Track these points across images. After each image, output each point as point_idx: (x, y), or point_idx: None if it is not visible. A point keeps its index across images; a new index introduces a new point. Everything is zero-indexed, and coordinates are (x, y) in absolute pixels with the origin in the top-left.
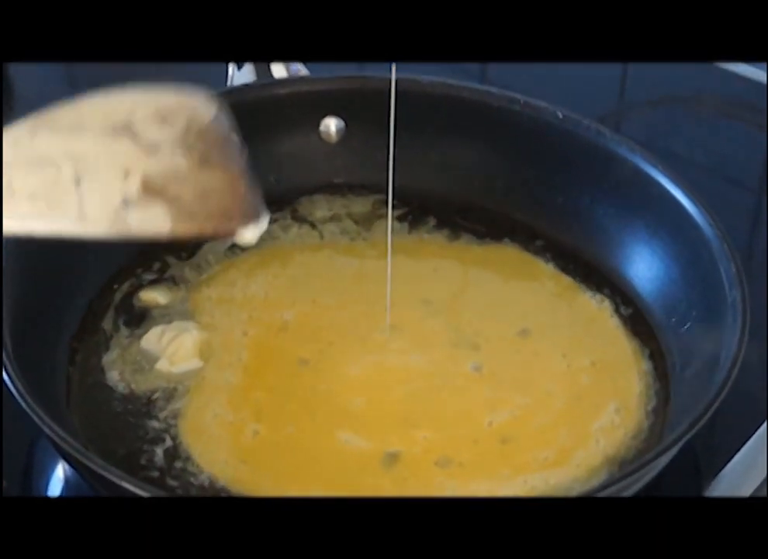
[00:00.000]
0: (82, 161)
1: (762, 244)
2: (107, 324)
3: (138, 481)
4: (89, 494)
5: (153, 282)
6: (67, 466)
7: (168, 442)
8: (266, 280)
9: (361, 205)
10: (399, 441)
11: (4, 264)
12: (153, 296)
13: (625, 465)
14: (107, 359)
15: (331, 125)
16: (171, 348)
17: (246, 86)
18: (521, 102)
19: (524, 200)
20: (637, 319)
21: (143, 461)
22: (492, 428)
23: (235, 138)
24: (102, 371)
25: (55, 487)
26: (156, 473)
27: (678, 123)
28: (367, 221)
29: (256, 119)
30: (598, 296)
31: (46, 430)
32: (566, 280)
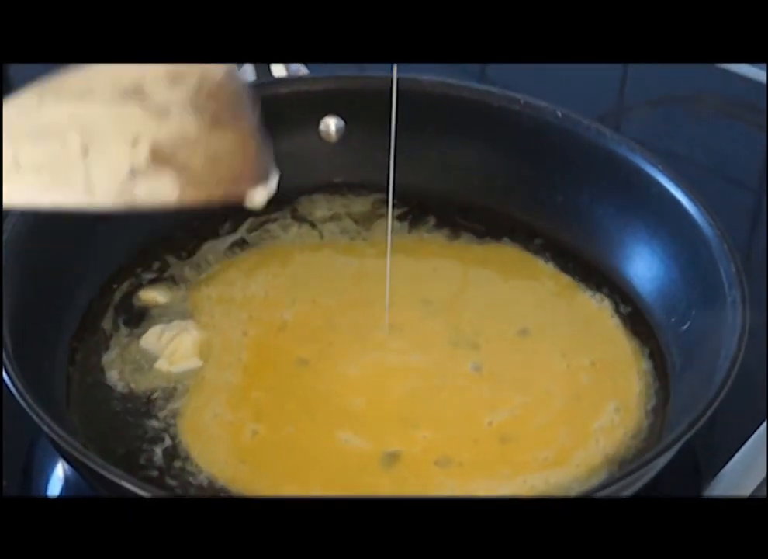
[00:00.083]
0: (90, 130)
1: (762, 244)
2: (107, 323)
3: (137, 481)
4: (89, 493)
5: (152, 282)
6: (66, 466)
7: (167, 442)
8: (266, 280)
9: (360, 204)
10: (399, 441)
11: (4, 263)
12: (153, 296)
13: (625, 464)
14: (107, 358)
15: (331, 124)
16: (171, 348)
17: None
18: (521, 101)
19: (524, 200)
20: (636, 318)
21: (142, 460)
22: (492, 427)
23: (247, 94)
24: (101, 370)
25: (55, 486)
26: (155, 473)
27: (678, 122)
28: (367, 221)
29: None
30: (598, 296)
31: (46, 429)
32: (566, 279)
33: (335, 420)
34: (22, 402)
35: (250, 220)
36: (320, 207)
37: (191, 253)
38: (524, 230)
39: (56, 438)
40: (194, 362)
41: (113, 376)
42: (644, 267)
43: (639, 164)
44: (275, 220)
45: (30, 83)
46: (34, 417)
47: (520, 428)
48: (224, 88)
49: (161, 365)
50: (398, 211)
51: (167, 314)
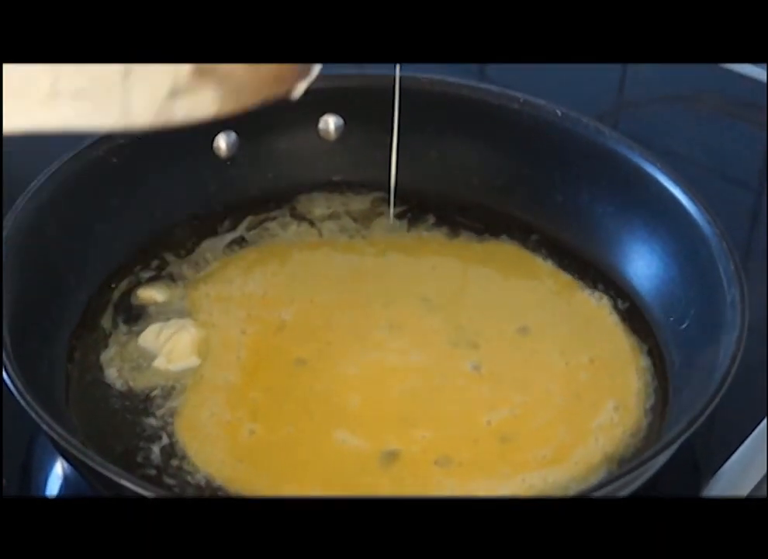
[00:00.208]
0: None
1: (761, 243)
2: (106, 321)
3: (136, 479)
4: (88, 491)
5: (151, 280)
6: (65, 464)
7: (165, 440)
8: (264, 278)
9: (359, 203)
10: (398, 440)
11: (4, 261)
12: (152, 294)
13: (624, 463)
14: (105, 356)
15: (330, 123)
16: (169, 346)
17: None
18: (520, 100)
19: (523, 198)
20: (635, 317)
21: (139, 459)
22: (492, 427)
23: None
24: (100, 368)
25: (53, 484)
26: (153, 471)
27: (677, 121)
28: (366, 219)
29: (255, 117)
30: (597, 294)
31: (45, 428)
32: (565, 278)
33: (333, 420)
34: (21, 400)
35: (249, 218)
36: (319, 205)
37: (190, 251)
38: (523, 228)
39: (55, 436)
40: (192, 361)
41: (112, 374)
42: (643, 265)
43: (639, 163)
44: (274, 218)
45: None
46: (33, 415)
47: (520, 427)
48: None
49: (160, 363)
50: (397, 209)
51: (165, 313)
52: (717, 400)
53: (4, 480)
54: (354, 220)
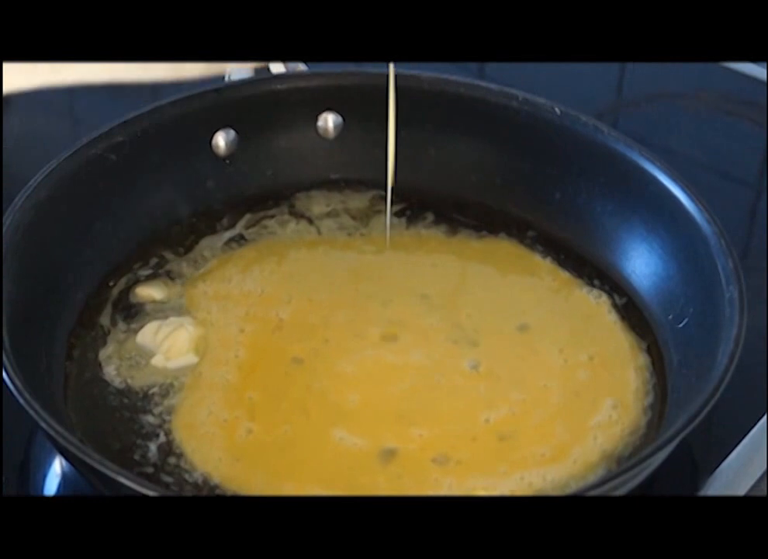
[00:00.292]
0: None
1: (760, 240)
2: (104, 319)
3: (135, 477)
4: (86, 489)
5: (149, 278)
6: (64, 462)
7: (162, 438)
8: (262, 276)
9: (358, 201)
10: (395, 439)
11: (2, 259)
12: (150, 292)
13: (623, 461)
14: (104, 354)
15: (329, 120)
16: (167, 344)
17: (244, 81)
18: (519, 98)
19: (522, 196)
20: (634, 315)
21: (136, 457)
22: (490, 425)
23: None
24: (98, 366)
25: (52, 482)
26: (150, 469)
27: (676, 119)
28: (364, 217)
29: (253, 115)
30: (595, 292)
31: (44, 425)
32: (564, 275)
33: (331, 418)
34: (19, 398)
35: (247, 216)
36: (318, 203)
37: (188, 249)
38: (521, 226)
39: (53, 434)
40: (190, 359)
41: (110, 371)
42: (641, 263)
43: (637, 161)
44: (273, 216)
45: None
46: (31, 413)
47: (518, 425)
48: None
49: (158, 361)
50: (396, 207)
51: (163, 310)
52: (715, 398)
53: (4, 477)
54: (353, 218)
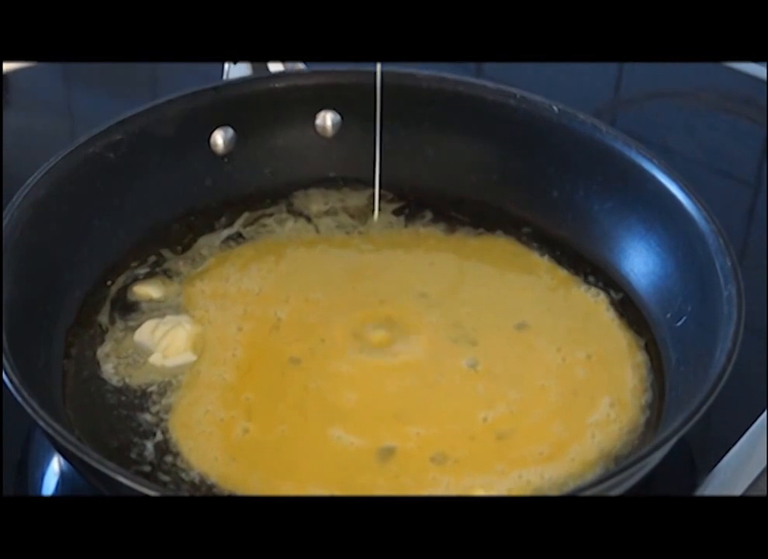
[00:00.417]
0: None
1: (758, 239)
2: (102, 317)
3: (133, 476)
4: (84, 487)
5: (148, 276)
6: (62, 460)
7: (159, 437)
8: (260, 275)
9: (356, 199)
10: (393, 438)
11: (1, 257)
12: (148, 291)
13: (621, 460)
14: (102, 352)
15: (327, 119)
16: (164, 342)
17: (242, 80)
18: (517, 96)
19: (520, 194)
20: (632, 313)
21: (133, 455)
22: (488, 423)
23: None
24: (97, 364)
25: (50, 480)
26: (148, 468)
27: (674, 117)
28: (363, 215)
29: (252, 113)
30: (593, 290)
31: (42, 424)
32: (562, 273)
33: (328, 418)
34: (17, 396)
35: (245, 215)
36: (316, 202)
37: (186, 247)
38: (519, 224)
39: (51, 432)
40: (187, 357)
41: (108, 369)
42: (639, 262)
43: (635, 160)
44: (271, 214)
45: (26, 77)
46: (29, 411)
47: (516, 423)
48: None
49: (155, 359)
50: (394, 206)
51: (161, 309)
52: (713, 396)
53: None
54: (351, 216)
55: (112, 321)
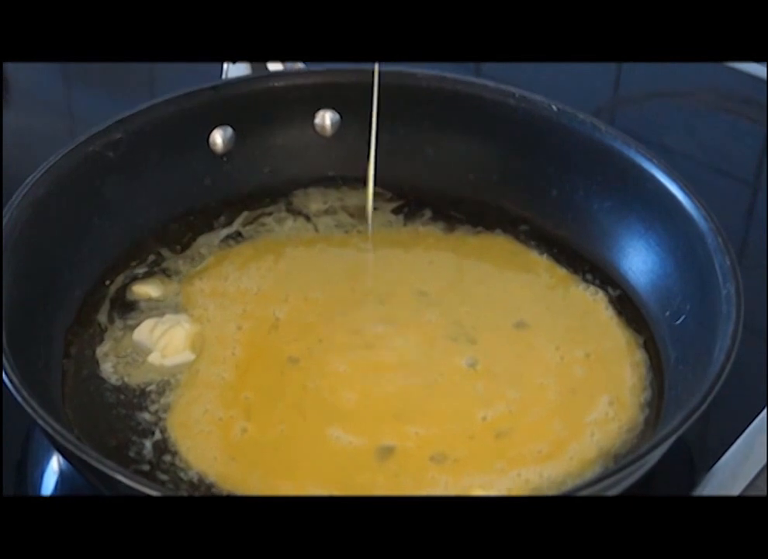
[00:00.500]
0: None
1: (757, 238)
2: (102, 316)
3: (132, 475)
4: (83, 486)
5: (147, 275)
6: (61, 459)
7: (158, 436)
8: (259, 274)
9: (355, 198)
10: (392, 437)
11: (1, 256)
12: (147, 290)
13: (619, 458)
14: (101, 351)
15: (326, 118)
16: (163, 342)
17: (241, 79)
18: (516, 95)
19: (519, 193)
20: (631, 312)
21: (132, 454)
22: (487, 422)
23: None
24: (96, 363)
25: (50, 479)
26: (146, 467)
27: (673, 116)
28: (362, 214)
29: (251, 112)
30: (592, 288)
31: (41, 423)
32: (561, 272)
33: (326, 418)
34: (17, 396)
35: (245, 214)
36: (315, 201)
37: (185, 246)
38: (518, 223)
39: (51, 431)
40: (186, 356)
41: (108, 368)
42: (639, 261)
43: (634, 159)
44: (270, 213)
45: (25, 75)
46: (29, 410)
47: (515, 422)
48: None
49: (154, 358)
50: (393, 204)
51: (160, 308)
52: (712, 395)
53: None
54: (350, 215)
55: (111, 320)
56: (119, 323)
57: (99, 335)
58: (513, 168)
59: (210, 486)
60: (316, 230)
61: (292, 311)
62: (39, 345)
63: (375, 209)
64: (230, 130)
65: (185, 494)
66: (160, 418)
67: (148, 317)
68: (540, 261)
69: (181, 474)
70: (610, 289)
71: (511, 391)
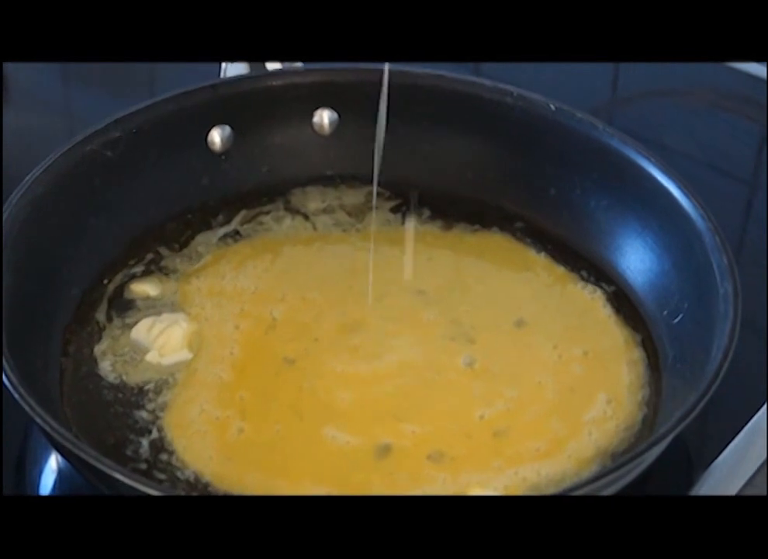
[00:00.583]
0: None
1: (755, 236)
2: (100, 315)
3: (130, 473)
4: (82, 485)
5: (145, 274)
6: (59, 458)
7: (155, 434)
8: (256, 273)
9: (353, 197)
10: (389, 436)
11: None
12: (144, 288)
13: (617, 457)
14: (99, 349)
15: (324, 117)
16: (161, 340)
17: (239, 78)
18: (514, 94)
19: (517, 191)
20: (629, 310)
21: (129, 452)
22: (485, 421)
23: None
24: (94, 362)
25: (48, 478)
26: (144, 465)
27: (670, 115)
28: (360, 213)
29: (249, 111)
30: (590, 287)
31: (39, 421)
32: (559, 270)
33: (323, 417)
34: (15, 394)
35: (243, 212)
36: (314, 199)
37: (183, 245)
38: (516, 221)
39: (49, 430)
40: (184, 355)
41: (105, 367)
42: (636, 259)
43: (632, 157)
44: (268, 212)
45: (24, 75)
46: (27, 409)
47: (513, 421)
48: None
49: (152, 357)
50: (392, 203)
51: (158, 306)
52: (710, 394)
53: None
54: (348, 213)
55: (110, 319)
56: (117, 321)
57: (97, 334)
58: (511, 167)
59: (206, 485)
60: (315, 228)
61: (289, 311)
62: (37, 343)
63: (372, 208)
64: (228, 129)
65: (182, 493)
66: (157, 417)
67: (146, 315)
68: (538, 259)
69: (178, 473)
70: (607, 288)
71: (509, 390)
